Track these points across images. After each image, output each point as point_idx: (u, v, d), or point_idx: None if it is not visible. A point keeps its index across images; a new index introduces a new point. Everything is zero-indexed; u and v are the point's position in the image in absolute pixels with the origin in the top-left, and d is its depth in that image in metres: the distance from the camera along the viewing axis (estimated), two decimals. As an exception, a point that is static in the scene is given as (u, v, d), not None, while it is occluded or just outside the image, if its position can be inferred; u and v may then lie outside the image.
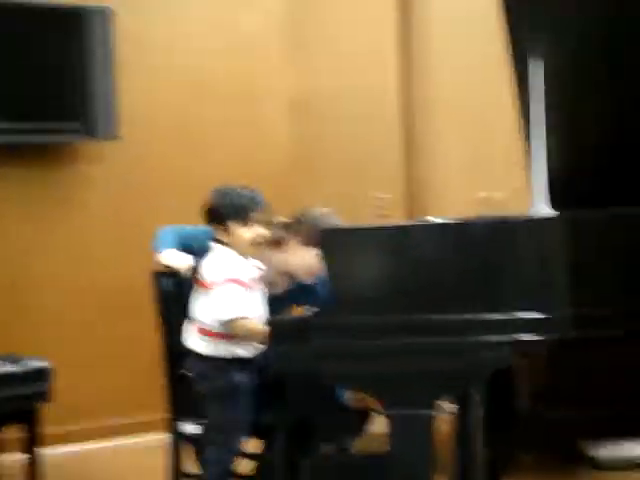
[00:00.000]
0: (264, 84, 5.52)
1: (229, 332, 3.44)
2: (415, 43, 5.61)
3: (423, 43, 5.60)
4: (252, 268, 3.56)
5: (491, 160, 5.47)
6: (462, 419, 3.37)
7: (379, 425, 3.74)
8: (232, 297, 3.46)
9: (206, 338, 3.48)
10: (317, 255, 3.69)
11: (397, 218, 5.48)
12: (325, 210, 3.86)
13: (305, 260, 3.81)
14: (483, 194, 5.42)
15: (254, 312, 3.47)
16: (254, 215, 3.54)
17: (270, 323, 3.09)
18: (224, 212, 3.53)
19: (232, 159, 5.38)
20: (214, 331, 3.46)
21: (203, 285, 3.49)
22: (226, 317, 3.45)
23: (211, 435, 3.44)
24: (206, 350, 3.47)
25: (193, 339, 3.51)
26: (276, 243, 3.77)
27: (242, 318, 3.43)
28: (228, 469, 3.46)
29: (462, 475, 3.43)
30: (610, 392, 4.65)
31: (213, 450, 3.43)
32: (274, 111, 5.54)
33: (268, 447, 3.57)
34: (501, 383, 3.26)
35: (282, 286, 3.87)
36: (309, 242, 3.74)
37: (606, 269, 2.86)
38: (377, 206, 5.49)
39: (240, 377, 3.43)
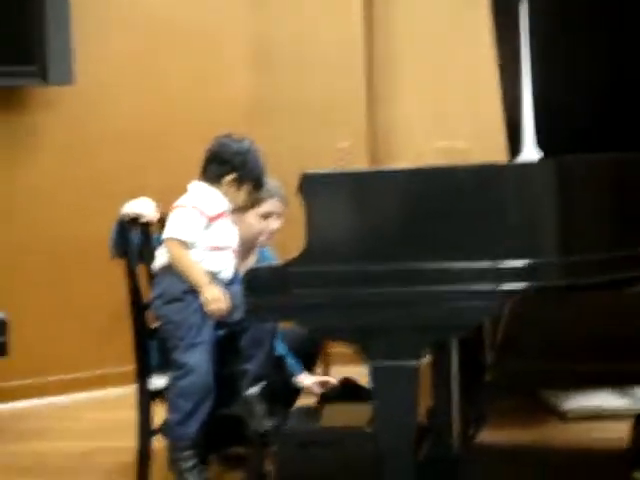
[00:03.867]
0: (224, 31, 5.38)
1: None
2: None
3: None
4: (224, 203, 3.45)
5: (454, 108, 5.38)
6: (439, 369, 3.30)
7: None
8: (180, 218, 3.36)
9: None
10: (259, 216, 3.72)
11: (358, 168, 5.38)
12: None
13: (254, 225, 3.74)
14: (444, 143, 5.34)
15: (208, 242, 3.35)
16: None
17: (245, 274, 2.94)
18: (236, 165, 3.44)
19: (190, 106, 5.24)
20: None
21: None
22: (164, 235, 3.36)
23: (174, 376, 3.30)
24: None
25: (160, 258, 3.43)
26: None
27: (178, 240, 3.32)
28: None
29: (438, 427, 3.37)
30: (578, 343, 4.66)
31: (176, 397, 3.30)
32: (234, 59, 5.40)
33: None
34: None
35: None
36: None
37: (595, 216, 2.79)
38: (338, 156, 5.37)
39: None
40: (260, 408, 3.26)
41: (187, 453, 3.30)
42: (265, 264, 2.84)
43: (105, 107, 5.08)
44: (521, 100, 2.81)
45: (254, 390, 3.29)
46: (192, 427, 3.30)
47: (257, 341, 3.34)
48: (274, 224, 3.78)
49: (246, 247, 3.77)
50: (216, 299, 3.31)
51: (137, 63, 5.16)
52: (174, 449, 3.32)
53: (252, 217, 3.75)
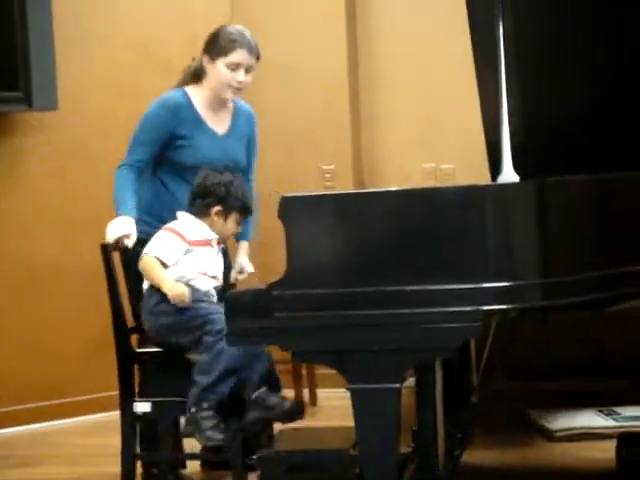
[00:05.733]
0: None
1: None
2: (362, 10, 5.49)
3: (370, 10, 5.49)
4: (208, 232, 3.49)
5: (439, 131, 5.40)
6: (423, 391, 3.29)
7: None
8: (160, 239, 3.43)
9: None
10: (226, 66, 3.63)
11: (344, 189, 5.39)
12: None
13: (223, 74, 3.66)
14: (430, 165, 5.37)
15: (185, 268, 3.40)
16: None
17: (227, 298, 2.93)
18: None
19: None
20: None
21: None
22: (144, 250, 3.42)
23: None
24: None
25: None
26: None
27: (152, 256, 3.38)
28: None
29: (423, 448, 3.36)
30: (565, 364, 4.67)
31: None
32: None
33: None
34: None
35: None
36: None
37: (575, 237, 2.80)
38: (323, 177, 5.39)
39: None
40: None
41: (210, 412, 3.32)
42: (245, 289, 2.81)
43: (88, 131, 5.09)
44: (499, 121, 2.81)
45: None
46: (221, 390, 3.32)
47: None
48: (242, 76, 3.66)
49: (219, 100, 3.72)
50: (177, 292, 3.35)
51: (120, 88, 5.16)
52: (197, 409, 3.32)
53: (220, 65, 3.66)
